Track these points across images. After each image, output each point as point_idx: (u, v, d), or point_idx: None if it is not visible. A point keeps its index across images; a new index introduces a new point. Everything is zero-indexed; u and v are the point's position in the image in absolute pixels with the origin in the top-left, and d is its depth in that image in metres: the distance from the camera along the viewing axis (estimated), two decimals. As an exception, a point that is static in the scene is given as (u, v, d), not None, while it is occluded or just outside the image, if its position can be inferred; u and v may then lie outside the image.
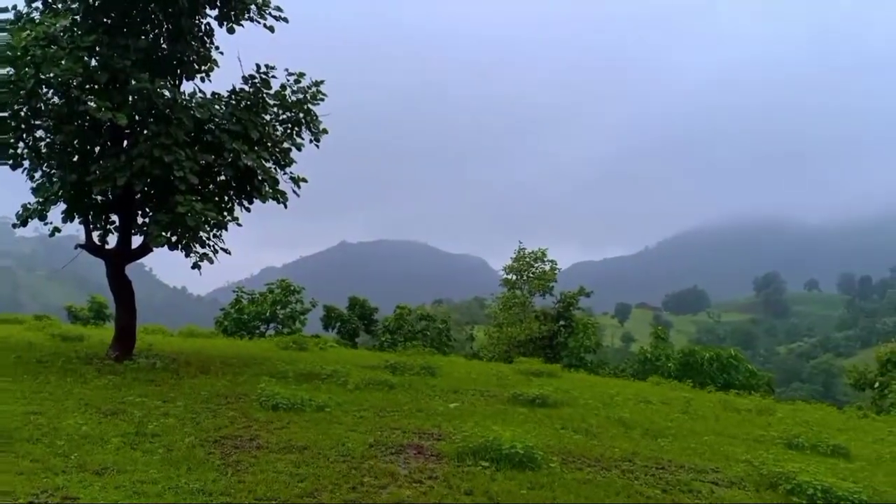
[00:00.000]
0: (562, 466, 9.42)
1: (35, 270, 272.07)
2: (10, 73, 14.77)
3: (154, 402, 11.48)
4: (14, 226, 16.64)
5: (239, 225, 16.75)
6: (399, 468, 8.85)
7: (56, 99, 15.70)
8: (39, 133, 16.36)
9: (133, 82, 14.62)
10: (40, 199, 16.04)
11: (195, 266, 15.60)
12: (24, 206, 16.38)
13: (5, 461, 7.96)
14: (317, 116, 17.13)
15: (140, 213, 16.96)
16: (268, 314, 32.93)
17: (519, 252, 38.23)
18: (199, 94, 16.32)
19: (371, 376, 15.26)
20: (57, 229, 16.92)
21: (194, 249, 15.50)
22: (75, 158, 16.28)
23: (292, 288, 34.05)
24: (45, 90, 15.30)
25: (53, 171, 16.22)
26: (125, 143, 15.89)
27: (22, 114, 15.56)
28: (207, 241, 15.83)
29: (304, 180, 17.29)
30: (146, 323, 37.11)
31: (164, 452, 8.70)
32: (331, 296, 40.59)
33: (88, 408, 10.92)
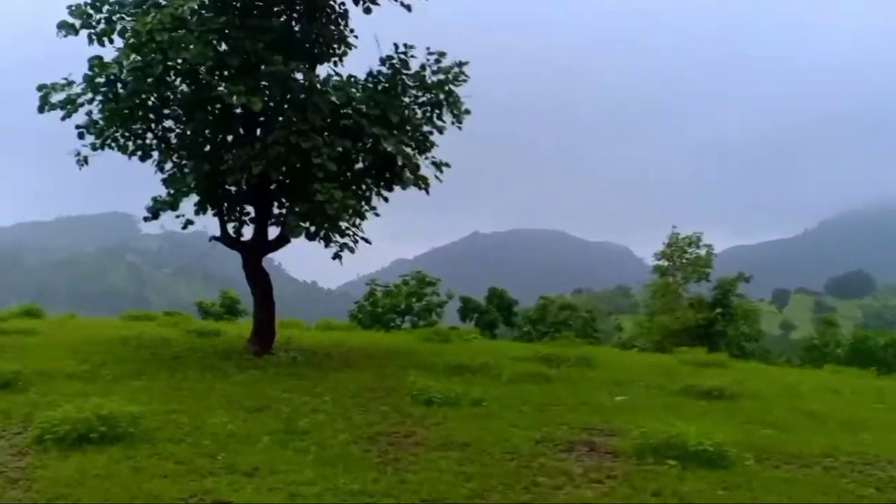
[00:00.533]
0: (757, 464, 8.79)
1: (161, 267, 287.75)
2: (137, 60, 15.12)
3: (300, 398, 11.39)
4: (145, 219, 16.94)
5: (377, 215, 16.59)
6: (573, 467, 8.39)
7: (184, 86, 15.96)
8: (168, 123, 16.71)
9: (266, 66, 14.55)
10: (172, 191, 16.25)
11: (336, 256, 15.52)
12: (155, 199, 16.70)
13: (149, 463, 7.92)
14: (459, 98, 16.68)
15: (276, 203, 17.04)
16: (403, 306, 33.04)
17: (671, 237, 37.56)
18: (336, 77, 16.14)
19: (525, 369, 14.82)
20: (190, 222, 17.21)
21: (334, 239, 15.38)
22: (206, 148, 16.51)
23: (428, 280, 34.04)
24: (172, 77, 15.55)
25: (184, 161, 16.47)
26: (258, 130, 15.98)
27: (150, 103, 15.88)
28: (347, 231, 15.65)
29: (447, 165, 16.85)
30: (279, 317, 37.97)
31: (317, 451, 8.50)
32: (464, 287, 40.55)
33: (232, 404, 10.93)
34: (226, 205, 17.06)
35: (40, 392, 11.29)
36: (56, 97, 15.44)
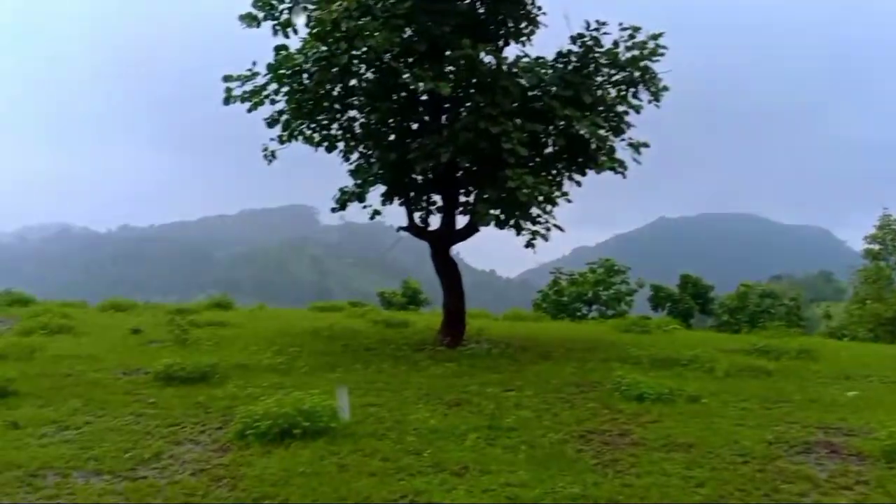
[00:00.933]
0: None
1: (342, 258, 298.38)
2: (322, 50, 15.39)
3: (500, 392, 11.23)
4: (333, 210, 17.32)
5: (569, 201, 16.10)
6: (815, 471, 7.74)
7: (369, 75, 16.14)
8: (352, 113, 16.96)
9: (453, 50, 14.43)
10: (359, 182, 16.56)
11: (528, 245, 15.22)
12: (342, 190, 17.09)
13: (354, 460, 7.92)
14: (655, 74, 15.97)
15: (463, 190, 16.96)
16: (590, 295, 32.37)
17: (882, 218, 35.74)
18: (525, 59, 15.82)
19: (740, 362, 13.98)
20: (377, 212, 17.47)
21: (525, 227, 15.13)
22: (391, 137, 16.66)
23: (616, 268, 33.19)
24: (356, 66, 15.73)
25: (371, 151, 16.69)
26: (444, 117, 15.94)
27: (334, 93, 16.15)
28: (538, 219, 15.31)
29: (646, 145, 16.15)
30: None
31: (528, 450, 8.28)
32: (650, 275, 39.16)
33: (430, 398, 10.91)
34: (412, 194, 17.17)
35: (238, 385, 11.75)
36: (239, 89, 16.02)
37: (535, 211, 15.10)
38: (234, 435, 8.77)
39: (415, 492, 7.01)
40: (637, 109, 16.03)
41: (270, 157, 17.21)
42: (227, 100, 15.86)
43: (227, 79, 15.78)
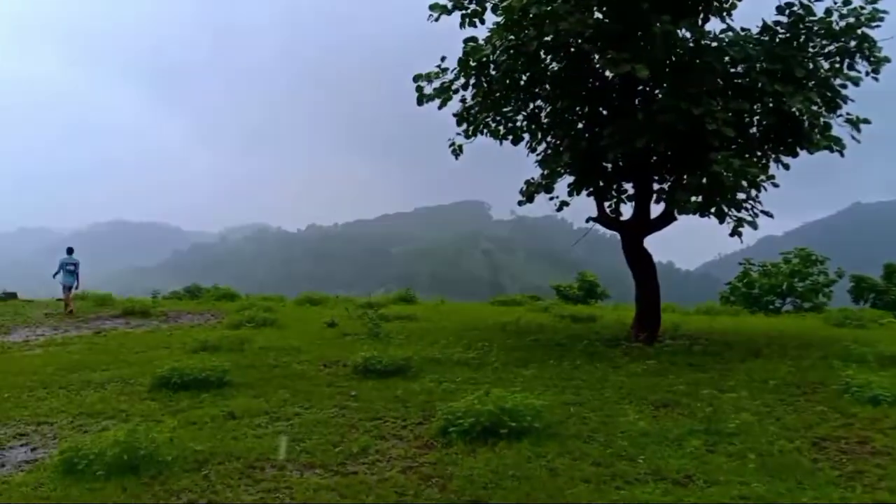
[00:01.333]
0: None
1: (514, 252, 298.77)
2: (510, 39, 15.01)
3: (711, 392, 10.38)
4: (520, 203, 16.94)
5: (775, 185, 14.85)
6: None
7: (556, 63, 15.61)
8: (538, 102, 16.50)
9: (651, 28, 13.57)
10: (546, 172, 16.02)
11: (734, 233, 14.05)
12: (528, 182, 16.65)
13: (563, 464, 7.41)
14: (874, 42, 14.53)
15: (657, 177, 16.10)
16: (784, 287, 30.41)
17: None
18: (728, 33, 14.75)
19: None
20: (565, 203, 16.95)
21: (729, 214, 14.04)
22: (580, 125, 16.08)
23: (813, 257, 31.02)
24: (544, 54, 15.25)
25: (559, 140, 16.12)
26: (637, 100, 15.15)
27: (522, 82, 15.72)
28: (744, 204, 14.15)
29: (867, 121, 14.72)
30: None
31: (756, 458, 7.45)
32: (846, 265, 36.34)
33: (633, 398, 10.29)
34: (602, 183, 16.50)
35: (433, 379, 11.55)
36: (430, 87, 15.92)
37: (741, 195, 13.97)
38: (436, 431, 8.50)
39: (637, 502, 6.45)
40: (856, 82, 14.54)
41: (458, 151, 17.10)
42: (420, 99, 15.83)
43: (417, 78, 15.75)
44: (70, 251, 25.52)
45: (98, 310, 25.12)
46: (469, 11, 15.29)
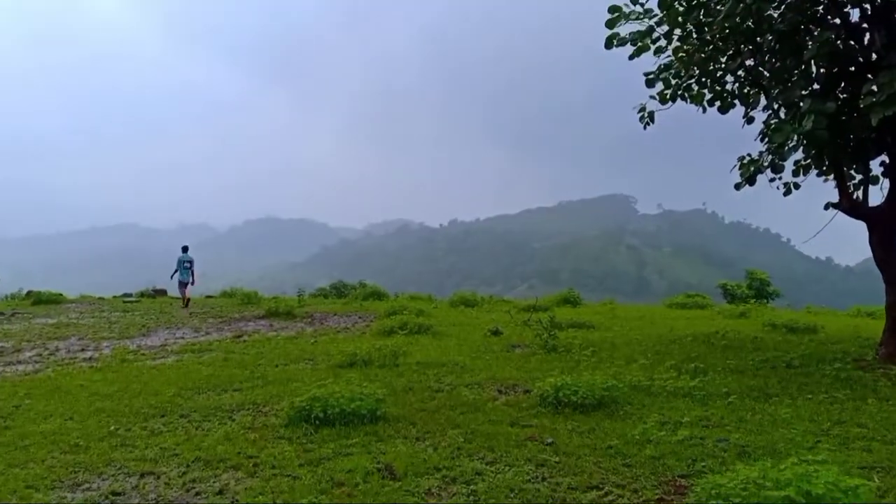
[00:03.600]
0: None
1: (660, 247, 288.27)
2: None
3: None
4: (737, 186, 13.25)
5: None
6: None
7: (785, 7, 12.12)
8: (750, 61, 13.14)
9: None
10: (776, 145, 12.22)
11: None
12: (742, 161, 13.11)
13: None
14: None
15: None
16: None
17: None
18: None
19: None
20: (796, 185, 13.49)
21: None
22: (814, 86, 12.48)
23: None
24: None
25: (795, 102, 12.17)
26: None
27: (742, 29, 12.31)
28: None
29: None
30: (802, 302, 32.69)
31: None
32: None
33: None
34: (845, 161, 12.87)
35: (651, 419, 8.45)
36: (626, 28, 12.93)
37: None
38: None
39: None
40: None
41: (648, 120, 13.99)
42: (610, 42, 12.80)
43: (613, 10, 12.61)
44: (185, 249, 26.17)
45: (242, 308, 24.19)
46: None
